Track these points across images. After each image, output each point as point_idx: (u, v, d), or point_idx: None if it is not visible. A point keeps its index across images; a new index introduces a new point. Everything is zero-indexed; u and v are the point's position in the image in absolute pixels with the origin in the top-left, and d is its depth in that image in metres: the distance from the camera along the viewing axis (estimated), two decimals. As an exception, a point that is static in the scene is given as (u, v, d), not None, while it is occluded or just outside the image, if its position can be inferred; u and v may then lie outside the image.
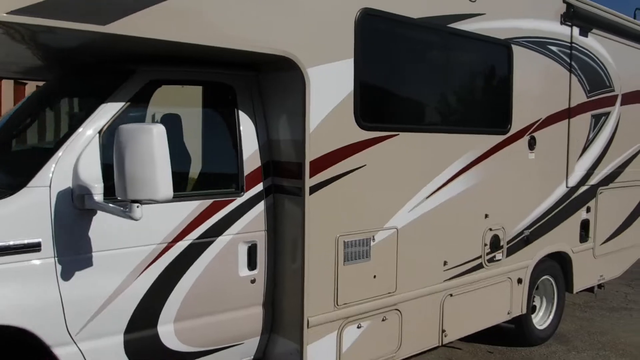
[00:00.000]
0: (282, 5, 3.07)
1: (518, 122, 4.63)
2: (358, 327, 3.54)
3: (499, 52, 4.48)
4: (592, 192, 5.68)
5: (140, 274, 2.88)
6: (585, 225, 5.62)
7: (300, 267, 3.23)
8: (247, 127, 3.34)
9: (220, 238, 3.16)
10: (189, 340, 3.12)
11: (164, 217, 2.96)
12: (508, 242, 4.65)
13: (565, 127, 5.24)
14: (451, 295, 4.14)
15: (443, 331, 4.11)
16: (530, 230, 4.87)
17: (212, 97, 3.33)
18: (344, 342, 3.46)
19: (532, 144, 4.81)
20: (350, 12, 3.34)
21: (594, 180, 5.66)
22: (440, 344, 4.15)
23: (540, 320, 5.43)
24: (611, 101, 5.90)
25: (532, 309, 5.40)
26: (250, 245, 3.29)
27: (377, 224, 3.59)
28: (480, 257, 4.39)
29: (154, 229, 2.92)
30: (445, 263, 4.08)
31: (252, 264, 3.31)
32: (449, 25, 3.97)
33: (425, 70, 3.91)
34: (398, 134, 3.67)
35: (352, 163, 3.41)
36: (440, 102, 4.00)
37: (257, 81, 3.40)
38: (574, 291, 5.58)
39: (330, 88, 3.26)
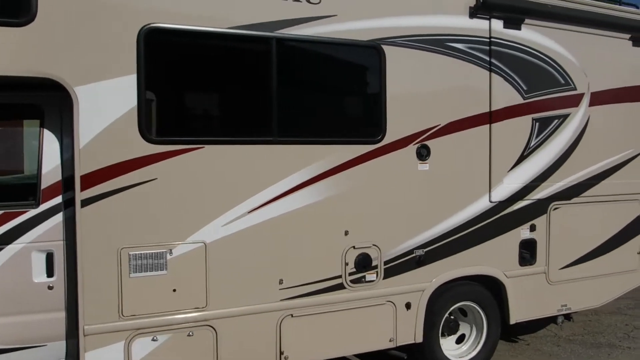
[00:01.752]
0: (51, 34, 3.22)
1: (397, 131, 4.20)
2: (153, 340, 3.51)
3: (361, 54, 4.14)
4: (539, 208, 4.89)
5: None
6: (528, 246, 4.85)
7: (74, 277, 3.34)
8: (50, 143, 3.56)
9: (10, 246, 3.41)
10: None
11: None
12: (387, 262, 4.22)
13: (485, 133, 4.61)
14: (292, 315, 3.89)
15: (281, 353, 3.87)
16: (425, 250, 4.36)
17: (19, 117, 3.61)
18: (135, 353, 3.46)
19: (423, 154, 4.32)
20: (131, 31, 3.38)
21: (541, 193, 4.87)
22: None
23: (466, 351, 4.79)
24: (571, 102, 5.04)
25: (460, 338, 4.83)
26: (47, 253, 3.49)
27: (176, 237, 3.54)
28: (340, 277, 4.05)
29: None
30: (281, 281, 3.85)
31: (50, 272, 3.50)
32: (280, 32, 3.78)
33: (245, 80, 3.78)
34: (203, 147, 3.59)
35: (138, 176, 3.43)
36: (267, 113, 3.81)
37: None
38: (512, 321, 4.82)
39: (105, 104, 3.34)
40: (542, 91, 4.88)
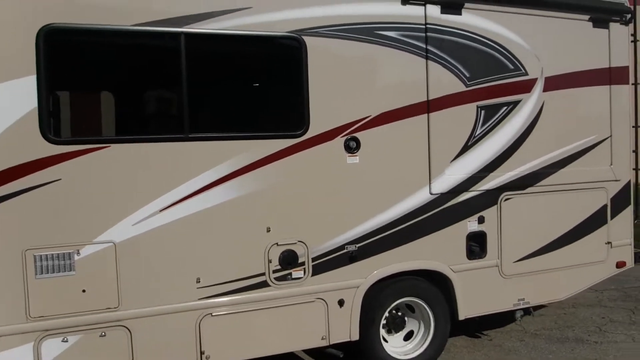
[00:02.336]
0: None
1: (322, 124, 4.08)
2: (64, 341, 3.52)
3: (279, 46, 4.04)
4: (488, 199, 4.69)
5: None
6: (477, 239, 4.66)
7: (-21, 279, 3.39)
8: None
9: None
10: None
11: None
12: (315, 259, 4.11)
13: (424, 123, 4.44)
14: (211, 314, 3.83)
15: (202, 352, 3.82)
16: (358, 245, 4.23)
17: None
18: (45, 354, 3.47)
19: (352, 147, 4.18)
20: (30, 31, 3.38)
21: (489, 184, 4.66)
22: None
23: (412, 348, 4.63)
24: (522, 87, 4.80)
25: (408, 334, 4.68)
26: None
27: (83, 238, 3.53)
28: (263, 274, 3.97)
29: None
30: (198, 280, 3.80)
31: None
32: (190, 26, 3.72)
33: (152, 77, 3.74)
34: (109, 146, 3.57)
35: (41, 178, 3.42)
36: (177, 110, 3.76)
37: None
38: (461, 317, 4.63)
39: (5, 105, 3.35)
40: (488, 78, 4.66)
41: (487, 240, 4.71)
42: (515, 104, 4.79)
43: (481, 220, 4.67)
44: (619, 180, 5.31)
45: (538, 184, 4.89)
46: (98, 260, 3.58)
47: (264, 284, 3.99)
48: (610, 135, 5.24)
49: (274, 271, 4.01)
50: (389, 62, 4.31)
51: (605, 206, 5.23)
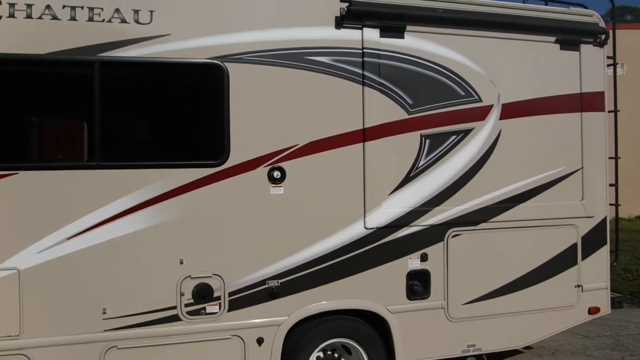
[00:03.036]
0: None
1: (243, 153, 3.94)
2: (-39, 368, 3.52)
3: (198, 73, 3.94)
4: (432, 235, 4.37)
5: None
6: (419, 278, 4.34)
7: None
8: None
9: None
10: None
11: None
12: (232, 294, 3.94)
13: (358, 153, 4.20)
14: (117, 347, 3.72)
15: (106, 386, 3.72)
16: (280, 281, 4.02)
17: None
18: (-58, 382, 3.48)
19: (276, 177, 4.01)
20: None
21: (434, 219, 4.35)
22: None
23: (340, 393, 4.35)
24: (475, 115, 4.48)
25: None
26: None
27: (-15, 264, 3.54)
28: (174, 307, 3.84)
29: None
30: (104, 311, 3.70)
31: None
32: (105, 54, 3.68)
33: (64, 104, 3.71)
34: (17, 173, 3.56)
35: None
36: (88, 138, 3.71)
37: None
38: (398, 364, 4.32)
39: None
40: (434, 104, 4.37)
41: (430, 279, 4.38)
42: (467, 132, 4.47)
43: (424, 257, 4.35)
44: (591, 217, 4.85)
45: (493, 220, 4.53)
46: (0, 287, 3.57)
47: (175, 318, 3.85)
48: (582, 167, 4.81)
49: (186, 305, 3.86)
50: (319, 88, 4.11)
51: (574, 245, 4.78)
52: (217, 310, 3.93)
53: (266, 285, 4.01)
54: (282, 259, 4.04)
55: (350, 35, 4.18)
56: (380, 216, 4.23)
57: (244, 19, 3.98)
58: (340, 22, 4.15)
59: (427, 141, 4.37)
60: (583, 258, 4.81)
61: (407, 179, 4.31)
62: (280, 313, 4.04)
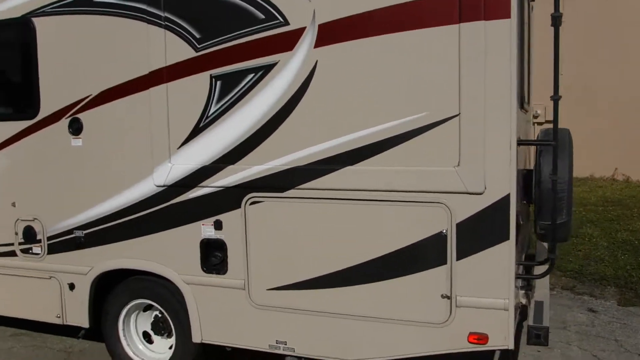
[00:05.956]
0: None
1: (50, 106, 4.02)
2: None
3: (13, 31, 4.09)
4: (226, 200, 3.54)
5: None
6: (214, 249, 3.63)
7: None
8: None
9: None
10: None
11: None
12: (50, 238, 4.14)
13: (145, 101, 3.70)
14: (-21, 272, 4.45)
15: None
16: (85, 232, 4.00)
17: None
18: None
19: (76, 128, 3.93)
20: None
21: (226, 180, 3.51)
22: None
23: (154, 353, 4.04)
24: (279, 44, 3.31)
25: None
26: None
27: None
28: (12, 244, 4.31)
29: None
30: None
31: None
32: None
33: None
34: None
35: None
36: None
37: None
38: (195, 339, 3.74)
39: None
40: (226, 36, 3.41)
41: (227, 252, 3.58)
42: (268, 68, 3.33)
43: (218, 225, 3.57)
44: (479, 194, 2.96)
45: (307, 186, 3.31)
46: None
47: (13, 253, 4.36)
48: (459, 114, 2.94)
49: (20, 243, 4.30)
50: (108, 32, 3.76)
51: (441, 236, 3.04)
52: (40, 252, 4.25)
53: (74, 235, 4.09)
54: (84, 210, 4.01)
55: (136, -35, 3.65)
56: (167, 173, 3.68)
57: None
58: (126, -47, 3.66)
59: (218, 83, 3.48)
60: (459, 257, 3.03)
61: (196, 131, 3.57)
62: (86, 263, 4.06)
